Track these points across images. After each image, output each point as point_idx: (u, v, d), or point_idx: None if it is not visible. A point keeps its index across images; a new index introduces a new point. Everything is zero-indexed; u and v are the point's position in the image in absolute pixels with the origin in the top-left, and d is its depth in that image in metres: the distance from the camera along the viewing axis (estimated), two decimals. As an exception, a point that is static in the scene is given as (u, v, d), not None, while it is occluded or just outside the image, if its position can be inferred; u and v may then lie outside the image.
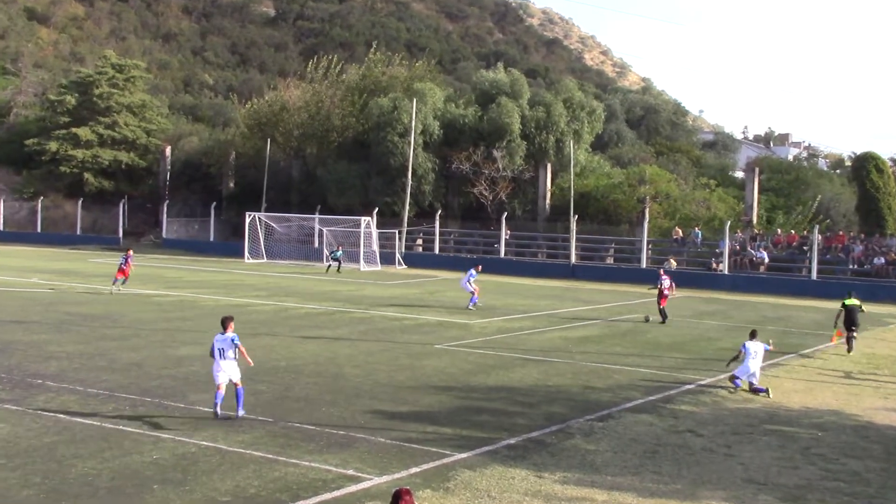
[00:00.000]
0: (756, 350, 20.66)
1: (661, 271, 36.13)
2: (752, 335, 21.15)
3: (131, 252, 40.27)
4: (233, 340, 16.54)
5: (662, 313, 32.82)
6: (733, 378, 20.91)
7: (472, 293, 35.15)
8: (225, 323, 16.81)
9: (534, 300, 39.45)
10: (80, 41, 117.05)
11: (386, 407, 17.88)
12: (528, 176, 61.49)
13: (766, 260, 50.21)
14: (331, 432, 15.73)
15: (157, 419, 16.27)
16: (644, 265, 51.47)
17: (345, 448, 14.81)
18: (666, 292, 33.02)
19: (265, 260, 58.37)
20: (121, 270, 37.81)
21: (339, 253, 52.70)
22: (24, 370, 20.21)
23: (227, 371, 16.45)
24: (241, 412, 16.54)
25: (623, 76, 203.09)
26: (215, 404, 16.44)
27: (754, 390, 20.47)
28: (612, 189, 59.03)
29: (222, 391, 16.48)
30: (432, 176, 61.84)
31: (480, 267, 38.41)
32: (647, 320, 33.00)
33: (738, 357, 21.05)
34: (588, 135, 64.53)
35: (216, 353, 16.52)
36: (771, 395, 20.07)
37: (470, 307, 34.79)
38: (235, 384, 16.54)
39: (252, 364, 17.54)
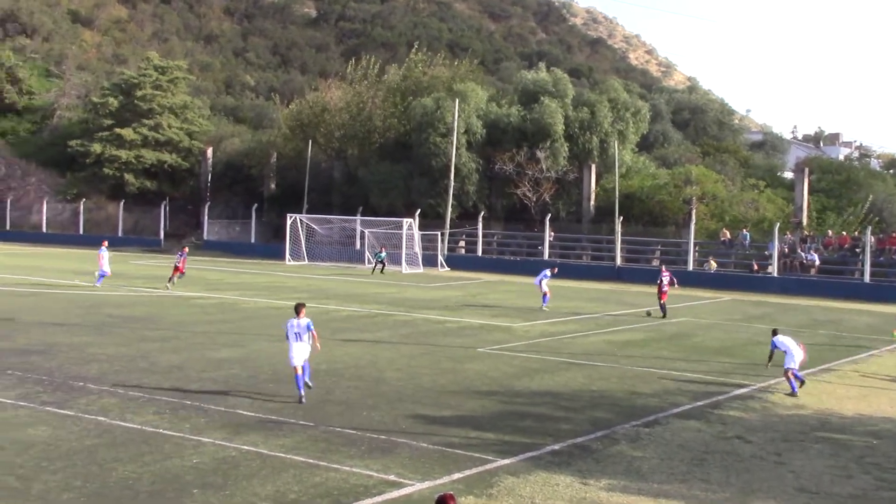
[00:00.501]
0: (789, 341, 20.81)
1: (663, 268, 37.69)
2: (775, 333, 21.37)
3: (186, 249, 41.09)
4: (308, 326, 17.81)
5: (662, 308, 34.25)
6: (790, 373, 20.53)
7: (545, 294, 35.51)
8: (298, 309, 18.07)
9: (578, 303, 39.11)
10: (123, 43, 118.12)
11: (428, 411, 17.67)
12: (572, 177, 61.03)
13: (817, 262, 49.29)
14: (372, 437, 15.55)
15: (197, 423, 16.17)
16: (691, 267, 50.88)
17: (386, 453, 14.62)
18: (665, 287, 34.27)
19: (306, 262, 58.46)
20: (177, 268, 38.80)
21: (383, 255, 52.65)
22: (65, 372, 20.24)
23: (303, 353, 17.82)
24: (310, 382, 18.19)
25: (668, 76, 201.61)
26: (298, 388, 17.81)
27: (796, 376, 20.47)
28: (658, 190, 58.33)
29: (300, 372, 17.84)
30: (475, 177, 61.56)
31: (556, 269, 39.08)
32: (648, 314, 34.27)
33: (772, 355, 21.08)
34: (633, 135, 63.88)
35: (293, 336, 17.79)
36: (797, 394, 19.94)
37: (544, 307, 35.17)
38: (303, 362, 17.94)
39: (319, 350, 18.63)
